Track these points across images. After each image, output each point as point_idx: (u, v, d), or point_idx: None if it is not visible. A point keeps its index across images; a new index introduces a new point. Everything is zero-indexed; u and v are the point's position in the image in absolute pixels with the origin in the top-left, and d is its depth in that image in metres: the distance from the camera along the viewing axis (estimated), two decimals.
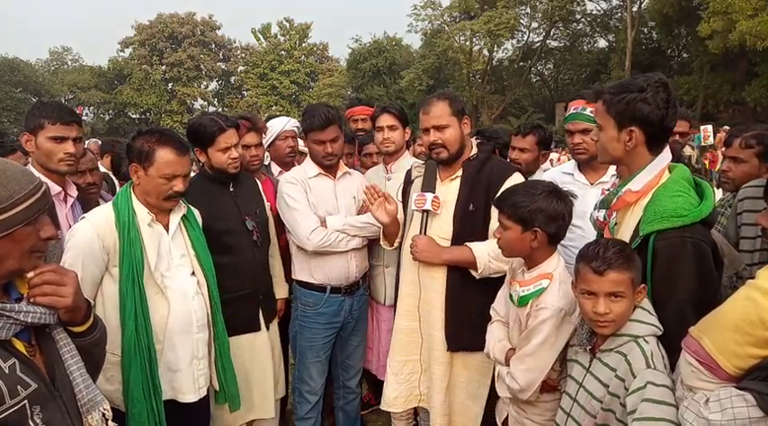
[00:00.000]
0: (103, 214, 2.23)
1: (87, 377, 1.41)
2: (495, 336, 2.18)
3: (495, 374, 2.16)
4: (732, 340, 1.36)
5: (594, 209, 1.97)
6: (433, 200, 2.47)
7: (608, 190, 1.93)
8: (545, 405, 2.05)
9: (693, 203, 1.66)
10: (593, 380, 1.72)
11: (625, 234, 1.77)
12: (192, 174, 2.49)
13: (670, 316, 1.63)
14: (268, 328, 2.87)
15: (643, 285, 1.67)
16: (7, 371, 1.22)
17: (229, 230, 2.67)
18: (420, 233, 2.49)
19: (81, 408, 1.38)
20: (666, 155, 1.78)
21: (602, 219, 1.92)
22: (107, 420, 1.43)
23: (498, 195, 2.12)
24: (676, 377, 1.52)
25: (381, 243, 2.78)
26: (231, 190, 2.76)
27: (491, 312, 2.27)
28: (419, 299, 2.57)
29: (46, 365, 1.35)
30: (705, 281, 1.63)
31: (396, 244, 2.76)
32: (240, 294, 2.69)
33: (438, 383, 2.54)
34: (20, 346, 1.29)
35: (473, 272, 2.44)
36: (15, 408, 1.21)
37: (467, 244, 2.44)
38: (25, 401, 1.23)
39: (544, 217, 1.92)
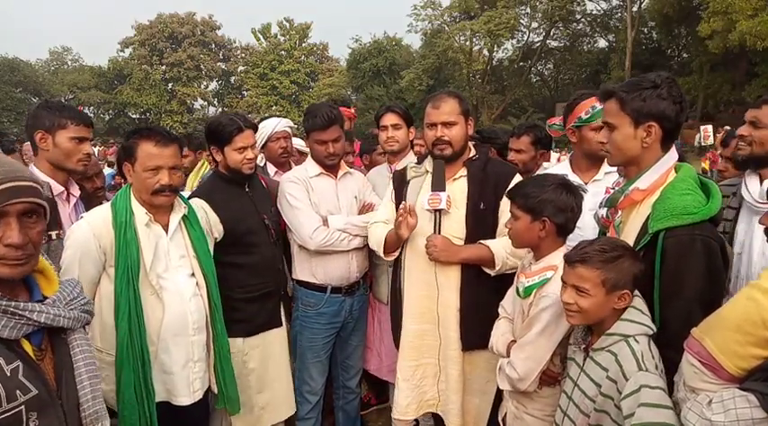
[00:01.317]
0: (101, 214, 2.23)
1: (97, 388, 1.37)
2: (500, 331, 2.21)
3: (497, 367, 2.17)
4: (734, 340, 1.36)
5: (599, 207, 1.97)
6: (447, 199, 2.44)
7: (612, 188, 1.93)
8: (544, 400, 2.06)
9: (702, 201, 1.67)
10: (587, 379, 1.74)
11: (630, 232, 1.78)
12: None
13: (678, 314, 1.63)
14: (285, 323, 2.92)
15: (626, 292, 1.66)
16: (9, 374, 1.17)
17: (251, 230, 2.71)
18: (435, 233, 2.46)
19: (84, 419, 1.34)
20: (673, 154, 1.79)
21: (606, 218, 1.92)
22: None
23: (511, 188, 2.16)
24: (679, 378, 1.52)
25: (381, 255, 2.68)
26: (247, 190, 2.78)
27: (499, 309, 2.28)
28: (437, 302, 2.53)
29: (55, 370, 1.30)
30: (713, 279, 1.64)
31: (395, 254, 2.68)
32: (265, 291, 2.74)
33: (455, 384, 2.52)
34: (28, 348, 1.24)
35: (488, 270, 2.43)
36: (11, 413, 1.16)
37: (481, 241, 2.44)
38: (22, 407, 1.18)
39: (553, 207, 1.97)
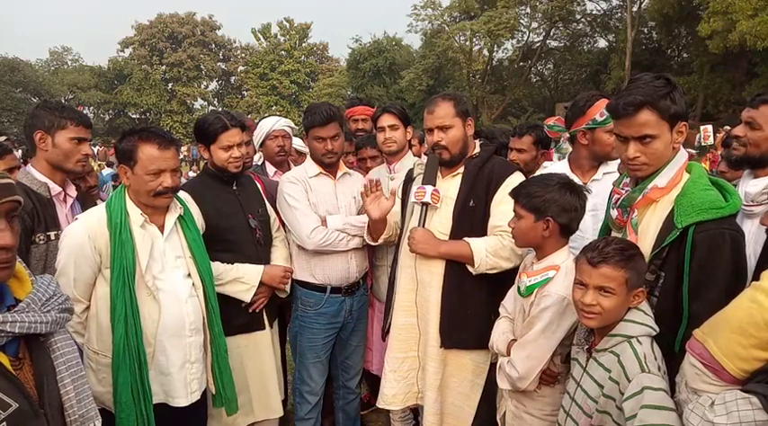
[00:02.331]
0: (96, 215, 2.22)
1: (83, 389, 1.31)
2: (500, 330, 2.21)
3: (497, 367, 2.17)
4: (736, 342, 1.35)
5: (612, 208, 1.96)
6: (432, 193, 2.46)
7: (621, 189, 1.91)
8: (544, 400, 2.06)
9: (721, 197, 1.69)
10: (589, 380, 1.74)
11: (649, 230, 1.77)
12: (192, 174, 2.50)
13: (707, 308, 1.59)
14: (272, 327, 2.88)
15: (642, 289, 1.67)
16: None
17: (233, 228, 2.69)
18: (419, 226, 2.48)
19: (70, 424, 1.28)
20: (684, 151, 1.79)
21: (622, 218, 1.91)
22: None
23: (515, 187, 2.16)
24: (681, 379, 1.51)
25: (365, 236, 2.77)
26: (234, 188, 2.76)
27: (500, 309, 2.28)
28: (415, 294, 2.55)
29: (35, 377, 1.23)
30: (740, 273, 1.65)
31: (380, 241, 2.74)
32: None
33: (431, 380, 2.51)
34: (4, 360, 1.17)
35: (470, 268, 2.42)
36: None
37: (465, 238, 2.43)
38: (3, 423, 1.11)
39: (557, 207, 1.96)
